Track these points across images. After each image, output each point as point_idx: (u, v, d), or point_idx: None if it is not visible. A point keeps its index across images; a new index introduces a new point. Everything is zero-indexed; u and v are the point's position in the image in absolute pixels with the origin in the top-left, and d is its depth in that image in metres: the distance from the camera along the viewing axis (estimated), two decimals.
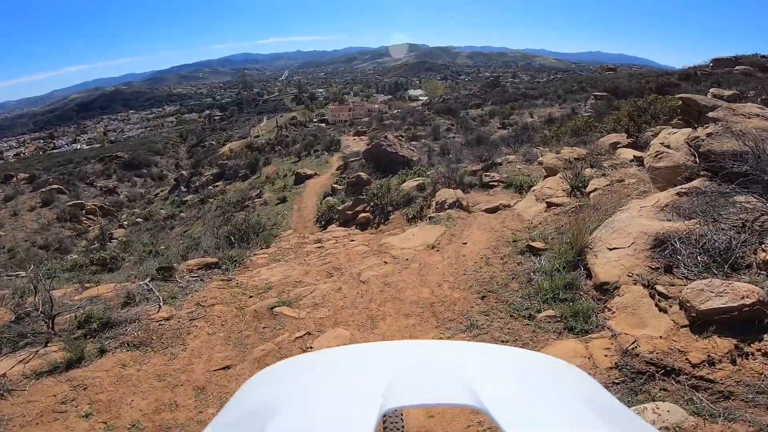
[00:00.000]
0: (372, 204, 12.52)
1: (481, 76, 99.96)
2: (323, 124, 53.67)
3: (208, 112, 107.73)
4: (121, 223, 29.13)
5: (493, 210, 8.33)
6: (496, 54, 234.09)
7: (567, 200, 7.26)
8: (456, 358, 0.71)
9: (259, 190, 23.32)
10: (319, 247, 8.33)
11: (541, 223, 6.81)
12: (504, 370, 0.67)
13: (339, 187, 19.42)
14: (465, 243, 6.61)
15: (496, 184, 11.98)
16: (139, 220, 28.16)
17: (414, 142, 26.69)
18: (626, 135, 12.02)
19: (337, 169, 23.45)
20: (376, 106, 67.55)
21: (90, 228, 32.70)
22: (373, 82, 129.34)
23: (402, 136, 28.32)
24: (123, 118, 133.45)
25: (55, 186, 37.56)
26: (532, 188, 8.83)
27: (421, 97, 77.19)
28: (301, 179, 22.76)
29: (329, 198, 18.52)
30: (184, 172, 38.70)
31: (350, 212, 13.56)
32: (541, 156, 13.78)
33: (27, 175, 41.57)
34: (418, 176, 17.58)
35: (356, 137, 34.80)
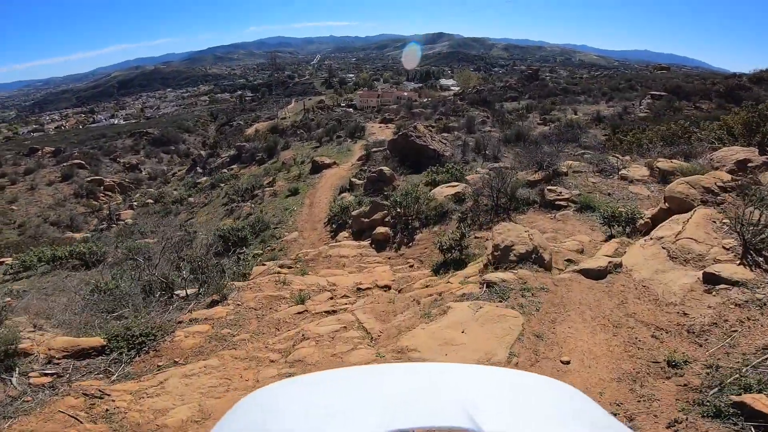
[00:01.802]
0: (394, 214, 9.39)
1: (517, 69, 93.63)
2: (351, 109, 50.60)
3: (240, 92, 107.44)
4: (131, 204, 27.15)
5: (597, 274, 5.01)
6: (534, 47, 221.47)
7: (745, 273, 3.90)
8: (453, 380, 0.68)
9: (272, 178, 20.56)
10: (301, 313, 5.13)
11: (715, 325, 3.50)
12: (501, 393, 0.63)
13: (358, 181, 16.35)
14: (566, 362, 3.43)
15: (564, 203, 8.62)
16: (149, 201, 26.09)
17: (445, 134, 23.24)
18: (758, 149, 8.33)
19: (358, 159, 20.37)
20: (406, 93, 63.97)
21: (105, 205, 31.09)
22: (404, 69, 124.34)
23: (432, 127, 24.90)
24: (160, 95, 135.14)
25: (76, 161, 36.18)
26: (657, 235, 5.42)
27: (452, 87, 72.87)
28: (318, 168, 19.83)
29: (345, 195, 15.51)
30: (202, 152, 36.52)
31: (366, 220, 10.48)
32: (624, 167, 10.25)
33: (52, 149, 40.52)
34: (452, 177, 14.32)
35: (382, 125, 31.53)
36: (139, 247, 12.97)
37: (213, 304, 5.35)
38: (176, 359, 3.99)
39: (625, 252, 6.07)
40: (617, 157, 11.06)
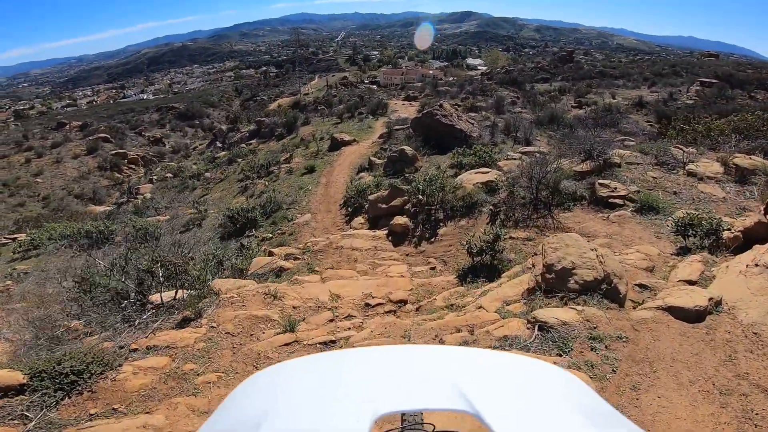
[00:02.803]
0: (415, 202, 8.03)
1: (549, 51, 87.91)
2: (374, 87, 48.54)
3: (264, 68, 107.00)
4: (151, 178, 26.64)
5: (692, 315, 3.55)
6: (568, 29, 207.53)
7: None
8: (450, 363, 0.68)
9: (289, 154, 19.37)
10: (289, 344, 3.75)
11: None
12: (497, 376, 0.64)
13: (378, 161, 14.95)
14: None
15: (619, 201, 7.04)
16: (168, 175, 25.45)
17: (472, 114, 21.34)
18: None
19: (379, 137, 18.88)
20: (431, 72, 60.99)
21: (128, 178, 30.85)
22: (429, 48, 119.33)
23: (458, 106, 22.96)
24: (187, 71, 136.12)
25: (102, 134, 36.01)
26: (766, 260, 3.88)
27: (479, 67, 69.14)
28: (336, 145, 18.49)
29: (363, 175, 14.17)
30: (222, 126, 35.59)
31: (384, 206, 9.14)
32: (691, 161, 8.47)
33: (79, 123, 40.48)
34: (480, 160, 12.73)
35: (406, 102, 29.68)
36: (146, 226, 12.11)
37: (183, 323, 4.19)
38: (116, 405, 2.86)
39: (713, 276, 4.56)
40: (681, 149, 9.22)
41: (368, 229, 9.75)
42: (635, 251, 5.61)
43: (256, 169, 18.03)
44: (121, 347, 3.66)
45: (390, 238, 7.74)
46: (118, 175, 30.32)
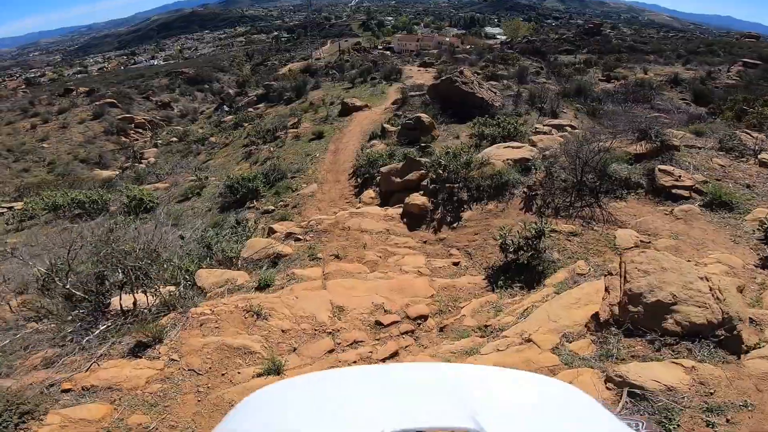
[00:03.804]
0: (434, 177, 6.70)
1: (573, 23, 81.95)
2: (388, 53, 45.70)
3: (275, 33, 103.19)
4: (156, 142, 25.39)
5: None
6: (595, 2, 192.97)
7: None
8: (456, 380, 0.66)
9: (297, 119, 17.84)
10: None
11: None
12: (503, 393, 0.62)
13: (391, 128, 13.46)
14: None
15: (684, 193, 5.63)
16: (173, 139, 24.13)
17: (493, 83, 19.37)
18: None
19: (392, 103, 17.23)
20: (448, 39, 57.37)
21: (135, 142, 29.70)
22: (446, 15, 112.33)
23: (478, 74, 20.93)
24: (198, 37, 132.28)
25: (109, 100, 34.59)
26: None
27: (498, 36, 64.90)
28: (347, 111, 16.91)
29: (375, 143, 12.72)
30: (230, 90, 33.77)
31: (397, 180, 7.83)
32: (764, 150, 6.90)
33: (87, 89, 38.97)
34: (504, 132, 11.22)
35: (421, 68, 27.47)
36: (141, 196, 10.96)
37: (138, 348, 3.05)
38: None
39: None
40: (749, 134, 7.62)
41: (379, 205, 8.49)
42: (716, 262, 4.29)
43: (262, 134, 16.63)
44: (51, 386, 2.56)
45: (405, 219, 6.48)
46: (125, 140, 29.15)
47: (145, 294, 3.61)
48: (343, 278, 4.51)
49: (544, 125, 11.58)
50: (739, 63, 27.31)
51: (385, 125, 13.56)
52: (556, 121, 13.50)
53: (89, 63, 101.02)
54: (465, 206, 6.30)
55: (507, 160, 6.96)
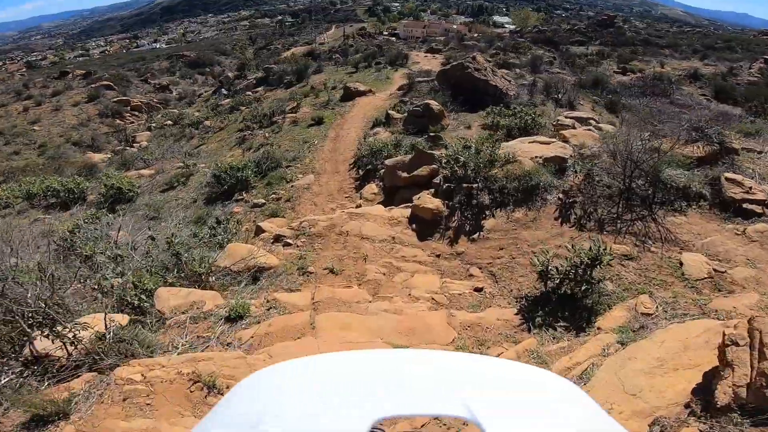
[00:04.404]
0: (449, 173, 5.56)
1: (584, 15, 79.13)
2: (393, 39, 43.83)
3: (280, 17, 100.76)
4: (150, 125, 24.07)
5: None
6: None
7: None
8: (448, 368, 0.66)
9: (296, 103, 16.55)
10: None
11: None
12: (496, 382, 0.63)
13: (397, 114, 12.24)
14: None
15: (758, 209, 4.51)
16: (168, 122, 22.76)
17: (504, 71, 17.99)
18: None
19: (398, 89, 15.94)
20: (455, 26, 55.29)
21: (131, 124, 28.37)
22: (453, 2, 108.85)
23: (488, 61, 19.51)
24: (202, 21, 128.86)
25: (104, 82, 33.14)
26: None
27: (507, 25, 62.70)
28: (350, 96, 15.62)
29: (379, 131, 11.50)
30: (230, 73, 32.20)
31: (404, 174, 6.69)
32: None
33: (83, 72, 37.41)
34: (521, 123, 10.09)
35: (428, 54, 25.95)
36: (120, 185, 9.79)
37: (34, 424, 1.99)
38: None
39: None
40: None
41: (383, 203, 7.36)
42: None
43: (258, 119, 15.37)
44: None
45: (414, 225, 5.35)
46: (120, 122, 27.82)
47: (60, 339, 2.52)
48: (338, 309, 3.41)
49: (565, 117, 10.37)
50: (760, 60, 25.86)
51: (390, 112, 12.30)
52: (576, 114, 12.25)
53: (91, 46, 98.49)
54: (487, 212, 5.16)
55: (536, 157, 5.80)
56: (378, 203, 7.49)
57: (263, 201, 8.56)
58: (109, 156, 20.72)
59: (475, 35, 45.87)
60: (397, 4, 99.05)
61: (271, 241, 6.00)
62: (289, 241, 5.63)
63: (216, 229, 5.86)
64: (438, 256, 4.84)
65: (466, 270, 4.63)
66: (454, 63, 14.39)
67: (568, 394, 0.63)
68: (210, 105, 25.02)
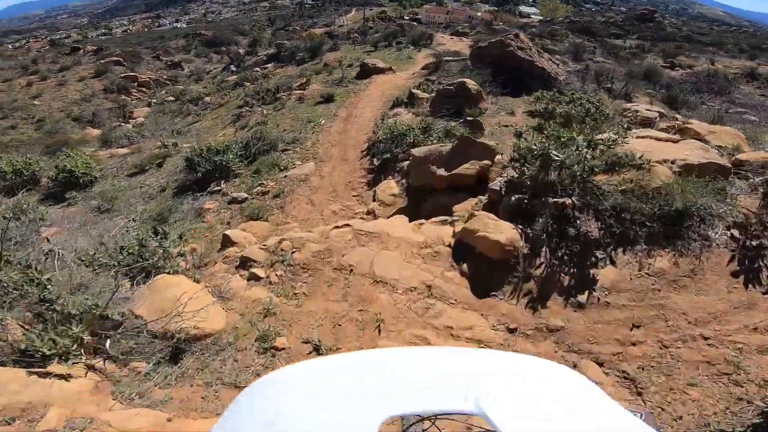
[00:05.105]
0: (517, 179, 3.14)
1: (615, 9, 73.96)
2: (414, 23, 40.81)
3: None
4: (151, 101, 22.02)
5: None
6: None
7: None
8: (458, 364, 0.65)
9: (306, 79, 14.19)
10: None
11: None
12: (506, 377, 0.62)
13: (422, 94, 9.85)
14: None
15: None
16: (170, 98, 20.64)
17: (547, 55, 15.31)
18: None
19: (422, 68, 13.43)
20: (479, 14, 51.89)
21: (139, 100, 26.39)
22: None
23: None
24: (222, 1, 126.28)
25: (114, 58, 31.17)
26: None
27: (533, 16, 58.86)
28: (366, 73, 13.20)
29: (401, 112, 9.11)
30: (240, 50, 29.82)
31: (441, 171, 4.37)
32: None
33: (95, 48, 35.41)
34: (582, 111, 7.76)
35: (454, 37, 23.18)
36: (74, 168, 7.62)
37: None
38: None
39: None
40: None
41: (405, 208, 5.09)
42: None
43: (261, 95, 13.09)
44: None
45: (464, 263, 3.08)
46: (125, 98, 25.87)
47: None
48: None
49: (645, 110, 7.93)
50: None
51: (415, 91, 9.86)
52: (644, 106, 9.72)
53: (114, 25, 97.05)
54: (599, 254, 2.86)
55: (666, 162, 3.43)
56: (399, 209, 5.21)
57: (245, 195, 6.34)
58: (107, 131, 18.84)
59: (501, 24, 42.58)
60: None
61: (236, 263, 3.82)
62: (258, 271, 3.42)
63: (157, 251, 3.63)
64: (512, 330, 2.58)
65: (571, 365, 2.36)
66: (494, 41, 11.82)
67: (580, 388, 0.58)
68: (216, 82, 22.76)
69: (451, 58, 13.65)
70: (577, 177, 3.19)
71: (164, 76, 32.19)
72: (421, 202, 5.00)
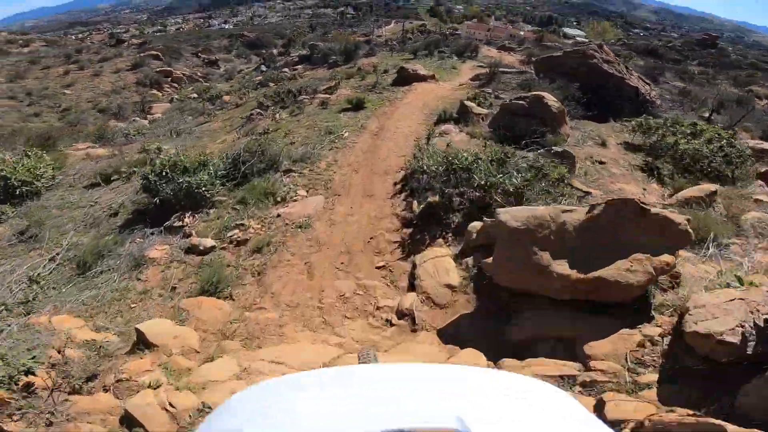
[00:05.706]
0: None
1: (665, 35, 69.31)
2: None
3: (342, 9, 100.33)
4: (173, 97, 20.76)
5: None
6: (696, 17, 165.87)
7: None
8: (441, 380, 0.63)
9: (336, 82, 12.03)
10: None
11: None
12: (489, 394, 0.60)
13: (478, 109, 7.39)
14: None
15: None
16: (193, 95, 19.27)
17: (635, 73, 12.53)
18: None
19: (472, 79, 10.95)
20: (522, 33, 49.22)
21: (169, 95, 25.46)
22: (520, 11, 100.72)
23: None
24: (270, 5, 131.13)
25: (152, 52, 30.76)
26: None
27: (578, 38, 55.56)
28: (405, 79, 10.78)
29: (450, 129, 6.63)
30: (274, 50, 28.50)
31: (573, 274, 1.78)
32: None
33: (140, 41, 35.51)
34: (715, 146, 4.86)
35: (501, 51, 20.71)
36: (8, 175, 5.65)
37: None
38: None
39: None
40: None
41: (476, 324, 2.61)
42: None
43: (280, 96, 11.03)
44: None
45: None
46: (156, 92, 24.93)
47: None
48: None
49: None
50: None
51: (468, 103, 7.36)
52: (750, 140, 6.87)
53: (169, 23, 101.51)
54: None
55: None
56: (460, 320, 2.73)
57: (212, 243, 4.03)
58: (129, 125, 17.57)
59: (547, 43, 39.70)
60: (460, 7, 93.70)
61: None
62: None
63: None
64: None
65: None
66: (572, 50, 9.27)
67: (558, 403, 0.58)
68: (244, 81, 21.26)
69: (507, 69, 11.17)
70: None
71: (198, 74, 31.30)
72: (505, 311, 2.51)
